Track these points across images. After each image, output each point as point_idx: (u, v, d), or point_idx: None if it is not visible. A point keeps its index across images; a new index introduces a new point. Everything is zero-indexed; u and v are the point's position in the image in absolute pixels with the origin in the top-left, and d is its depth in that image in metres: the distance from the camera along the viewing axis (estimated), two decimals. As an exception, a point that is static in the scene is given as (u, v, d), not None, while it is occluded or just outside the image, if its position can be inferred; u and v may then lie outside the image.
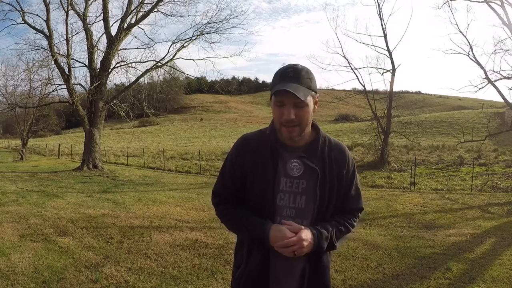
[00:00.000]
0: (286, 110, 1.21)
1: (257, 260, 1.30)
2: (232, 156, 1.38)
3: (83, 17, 14.54)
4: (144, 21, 15.26)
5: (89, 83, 15.04)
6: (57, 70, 14.60)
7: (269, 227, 1.23)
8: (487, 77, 9.95)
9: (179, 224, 5.80)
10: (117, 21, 14.98)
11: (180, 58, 15.85)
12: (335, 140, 1.37)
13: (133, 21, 15.02)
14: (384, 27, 14.39)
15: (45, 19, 14.27)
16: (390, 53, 14.46)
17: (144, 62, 15.28)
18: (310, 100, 1.24)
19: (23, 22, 14.26)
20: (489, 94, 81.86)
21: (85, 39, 14.75)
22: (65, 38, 14.40)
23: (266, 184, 1.27)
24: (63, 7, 14.22)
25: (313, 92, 1.25)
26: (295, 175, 1.28)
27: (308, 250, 1.22)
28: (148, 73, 15.93)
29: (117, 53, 14.94)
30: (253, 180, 1.30)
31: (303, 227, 1.23)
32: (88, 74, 15.41)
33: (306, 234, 1.21)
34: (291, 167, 1.28)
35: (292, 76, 1.21)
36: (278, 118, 1.25)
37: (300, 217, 1.28)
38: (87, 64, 14.98)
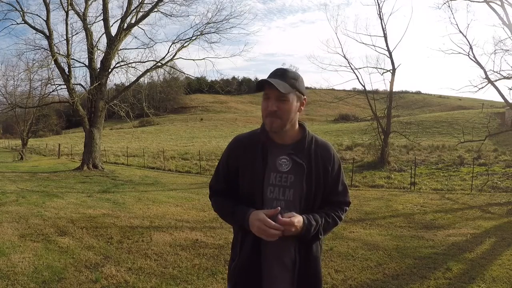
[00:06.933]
0: (270, 102, 1.35)
1: (248, 251, 1.39)
2: (226, 153, 1.51)
3: (83, 17, 14.54)
4: (144, 21, 15.28)
5: (89, 83, 15.06)
6: (57, 70, 14.63)
7: (250, 213, 1.33)
8: (487, 77, 9.93)
9: (179, 224, 5.81)
10: (117, 21, 15.01)
11: (180, 58, 15.88)
12: (321, 139, 1.48)
13: (133, 21, 15.03)
14: (384, 27, 14.41)
15: (45, 19, 14.28)
16: (390, 53, 14.46)
17: (144, 62, 15.29)
18: (293, 98, 1.36)
19: (23, 22, 14.27)
20: (489, 94, 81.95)
21: (85, 39, 14.77)
22: (65, 38, 14.45)
23: (255, 178, 1.37)
24: (63, 7, 14.25)
25: (297, 92, 1.37)
26: (284, 170, 1.39)
27: (295, 234, 1.30)
28: (148, 73, 15.94)
29: (117, 53, 14.93)
30: (244, 174, 1.41)
31: (292, 213, 1.31)
32: (88, 74, 15.45)
33: (299, 221, 1.30)
34: (280, 163, 1.39)
35: (279, 74, 1.35)
36: (264, 110, 1.38)
37: (289, 208, 1.37)
38: (87, 64, 14.99)
